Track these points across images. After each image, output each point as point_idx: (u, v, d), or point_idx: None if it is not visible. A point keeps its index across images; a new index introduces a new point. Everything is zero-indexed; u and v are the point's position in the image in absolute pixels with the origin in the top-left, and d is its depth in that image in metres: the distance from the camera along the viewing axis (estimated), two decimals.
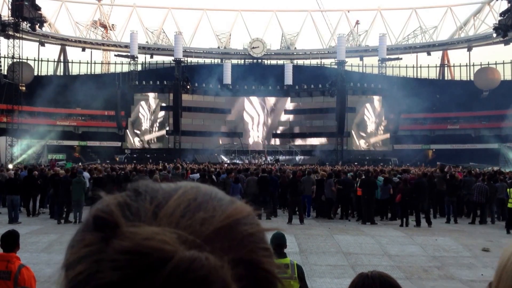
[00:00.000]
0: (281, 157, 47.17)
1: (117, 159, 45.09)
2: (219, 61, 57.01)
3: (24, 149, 41.04)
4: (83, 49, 57.22)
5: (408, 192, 14.26)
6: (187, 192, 0.48)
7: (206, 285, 0.41)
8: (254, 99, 56.14)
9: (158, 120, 53.63)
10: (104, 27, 60.68)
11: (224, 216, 0.47)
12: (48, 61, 56.50)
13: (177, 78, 49.30)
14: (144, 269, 0.41)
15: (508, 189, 13.90)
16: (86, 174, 16.71)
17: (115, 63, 58.22)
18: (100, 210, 0.47)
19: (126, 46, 54.69)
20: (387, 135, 52.31)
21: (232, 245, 0.46)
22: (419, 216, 14.27)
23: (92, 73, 56.89)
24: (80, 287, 0.44)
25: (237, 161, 43.19)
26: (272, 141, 55.32)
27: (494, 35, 48.20)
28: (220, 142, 53.21)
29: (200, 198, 0.48)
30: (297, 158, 48.24)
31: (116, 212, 0.46)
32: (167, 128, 51.75)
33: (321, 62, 58.35)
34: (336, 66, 51.89)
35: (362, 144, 53.53)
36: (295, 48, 59.56)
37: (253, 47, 56.48)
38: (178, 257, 0.41)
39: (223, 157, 47.05)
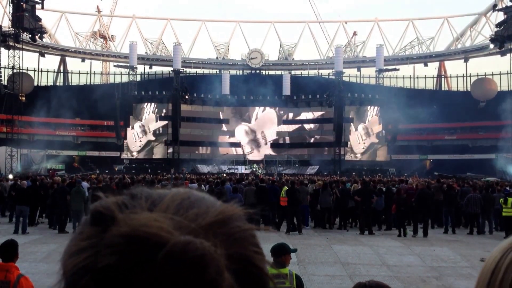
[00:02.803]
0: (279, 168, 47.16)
1: (116, 169, 45.04)
2: (218, 72, 57.30)
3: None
4: (83, 60, 57.52)
5: (403, 202, 14.33)
6: (180, 192, 0.52)
7: (201, 267, 0.43)
8: (252, 110, 56.32)
9: (157, 130, 53.68)
10: (104, 38, 61.04)
11: (217, 212, 0.49)
12: (48, 71, 56.76)
13: (176, 89, 49.47)
14: (141, 253, 0.43)
15: (500, 199, 13.98)
16: (85, 184, 16.73)
17: (115, 74, 58.51)
18: (98, 206, 0.49)
19: (125, 57, 54.98)
20: (385, 146, 52.42)
21: (225, 239, 0.47)
22: (417, 225, 14.32)
23: (92, 83, 57.10)
24: (79, 275, 0.45)
25: (235, 171, 43.16)
26: (270, 151, 55.37)
27: (491, 46, 48.61)
28: (219, 152, 53.25)
29: (193, 198, 0.51)
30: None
31: (113, 207, 0.48)
32: (166, 138, 51.78)
33: (319, 72, 58.69)
34: (334, 77, 52.17)
35: (359, 154, 53.59)
36: (293, 58, 59.95)
37: (252, 58, 56.83)
38: (173, 241, 0.43)
39: (221, 167, 47.03)
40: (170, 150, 50.50)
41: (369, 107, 53.30)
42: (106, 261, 0.43)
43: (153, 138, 53.52)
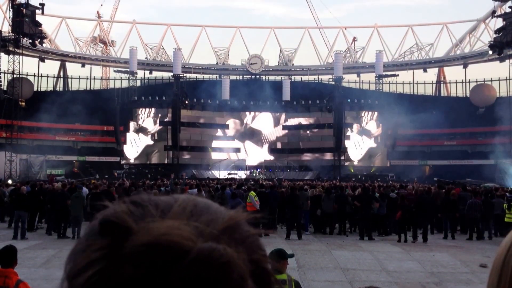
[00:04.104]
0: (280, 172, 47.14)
1: (116, 174, 44.97)
2: (218, 77, 57.40)
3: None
4: (83, 65, 57.60)
5: (407, 208, 14.31)
6: (187, 200, 0.52)
7: (227, 273, 0.43)
8: (252, 115, 56.41)
9: (157, 136, 53.71)
10: (104, 43, 61.20)
11: (227, 218, 0.50)
12: (48, 76, 56.78)
13: (176, 94, 49.57)
14: (165, 261, 0.43)
15: (504, 205, 13.97)
16: (85, 190, 16.72)
17: (115, 79, 58.58)
18: (109, 215, 0.47)
19: (125, 62, 55.09)
20: (384, 151, 52.46)
21: (240, 244, 0.48)
22: (417, 231, 14.32)
23: (92, 88, 57.14)
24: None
25: (235, 176, 43.15)
26: (270, 157, 55.38)
27: (490, 52, 48.73)
28: (218, 158, 53.26)
29: (201, 205, 0.51)
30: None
31: (126, 216, 0.47)
32: (166, 143, 51.83)
33: (318, 78, 58.80)
34: (333, 82, 52.28)
35: (359, 160, 53.62)
36: (293, 64, 60.07)
37: (251, 63, 56.94)
38: (197, 248, 0.43)
39: (221, 172, 47.03)
40: (170, 155, 50.52)
41: (368, 112, 53.41)
42: (129, 273, 0.43)
43: (151, 143, 53.56)
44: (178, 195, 0.53)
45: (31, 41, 44.01)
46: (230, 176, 43.04)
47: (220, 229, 0.48)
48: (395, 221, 15.03)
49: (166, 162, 51.37)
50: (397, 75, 56.33)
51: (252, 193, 15.43)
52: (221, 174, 45.91)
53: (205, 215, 0.49)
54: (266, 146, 56.67)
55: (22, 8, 41.42)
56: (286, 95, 53.85)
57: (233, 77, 57.41)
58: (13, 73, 41.77)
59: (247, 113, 56.01)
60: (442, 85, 59.16)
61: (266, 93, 52.17)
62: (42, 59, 54.48)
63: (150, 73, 58.86)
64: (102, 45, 61.29)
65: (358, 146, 53.74)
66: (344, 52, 57.95)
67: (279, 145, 56.94)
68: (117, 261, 0.43)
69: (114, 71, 57.45)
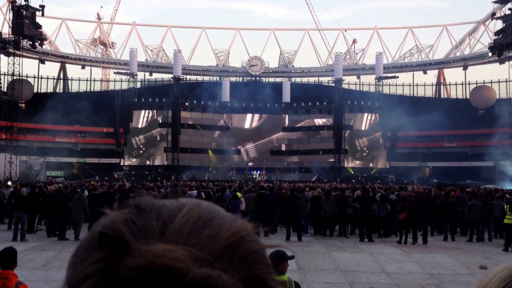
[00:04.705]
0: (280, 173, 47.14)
1: (116, 176, 44.98)
2: (218, 79, 57.46)
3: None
4: (83, 67, 57.67)
5: (407, 209, 14.30)
6: (192, 210, 0.49)
7: None
8: (252, 117, 56.41)
9: (157, 137, 53.72)
10: (104, 45, 61.28)
11: (229, 234, 0.48)
12: (48, 78, 56.85)
13: (176, 96, 49.59)
14: (159, 285, 0.42)
15: (505, 206, 13.97)
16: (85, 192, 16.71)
17: (115, 81, 58.64)
18: (107, 227, 0.46)
19: (125, 64, 55.14)
20: (384, 153, 52.48)
21: (239, 262, 0.47)
22: (416, 233, 14.33)
23: (92, 90, 57.21)
24: None
25: (235, 178, 43.15)
26: (270, 158, 55.38)
27: (490, 54, 48.79)
28: (218, 159, 53.25)
29: (205, 216, 0.49)
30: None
31: (124, 229, 0.45)
32: (166, 145, 51.82)
33: (318, 80, 58.88)
34: (333, 84, 52.35)
35: (359, 161, 53.62)
36: (293, 66, 60.15)
37: (252, 65, 57.01)
38: (192, 274, 0.42)
39: (221, 174, 47.04)
40: (170, 156, 50.50)
41: (368, 114, 53.43)
42: None
43: (152, 145, 53.52)
44: (184, 200, 0.51)
45: (31, 42, 44.02)
46: (231, 178, 43.03)
47: (221, 246, 0.46)
48: (395, 223, 15.03)
49: (166, 163, 51.36)
50: (397, 77, 56.45)
51: (238, 194, 15.45)
52: (221, 176, 45.91)
53: (208, 229, 0.47)
54: (266, 148, 56.66)
55: (22, 10, 41.46)
56: (286, 96, 53.89)
57: (233, 78, 57.50)
58: (13, 74, 41.79)
59: (247, 115, 56.01)
60: (442, 87, 59.23)
61: (266, 94, 52.21)
62: (42, 61, 54.54)
63: (150, 74, 58.95)
64: (102, 47, 61.37)
65: (358, 148, 53.73)
66: (344, 54, 58.01)
67: (279, 147, 56.96)
68: (111, 282, 0.43)
69: (114, 72, 57.51)
